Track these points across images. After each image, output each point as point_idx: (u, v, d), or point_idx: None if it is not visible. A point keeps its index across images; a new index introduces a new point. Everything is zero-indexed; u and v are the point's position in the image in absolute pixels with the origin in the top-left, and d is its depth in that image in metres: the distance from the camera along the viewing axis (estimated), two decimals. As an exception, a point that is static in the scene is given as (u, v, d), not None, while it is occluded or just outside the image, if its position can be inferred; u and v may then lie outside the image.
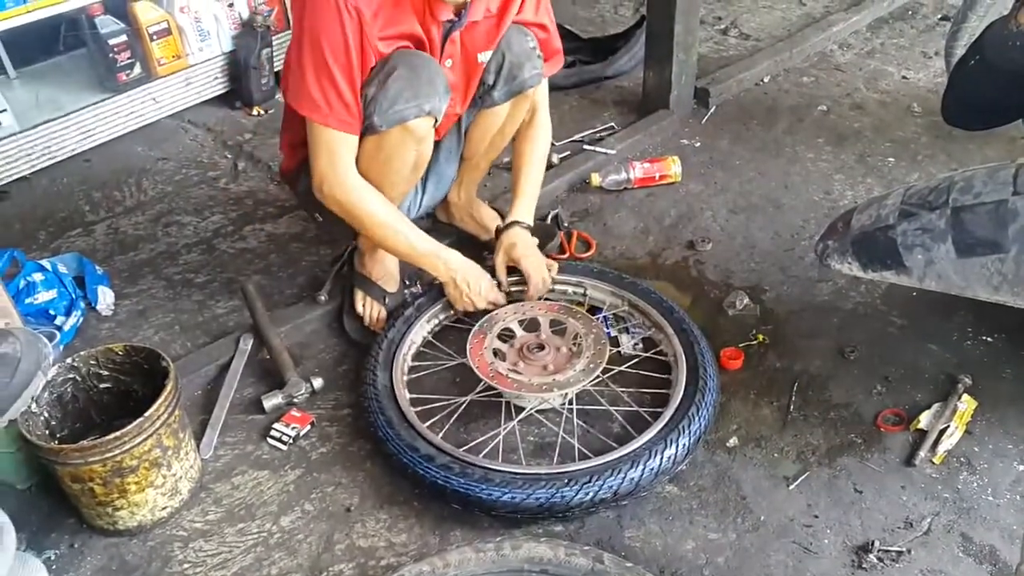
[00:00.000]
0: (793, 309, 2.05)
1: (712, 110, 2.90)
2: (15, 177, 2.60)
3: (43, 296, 2.01)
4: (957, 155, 2.60)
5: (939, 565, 1.47)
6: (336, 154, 1.71)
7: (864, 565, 1.47)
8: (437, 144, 1.91)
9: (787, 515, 1.57)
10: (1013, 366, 1.83)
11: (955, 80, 2.38)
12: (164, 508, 1.62)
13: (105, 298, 2.13)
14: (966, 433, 1.68)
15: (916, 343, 1.92)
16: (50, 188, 2.62)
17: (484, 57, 1.85)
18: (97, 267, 2.20)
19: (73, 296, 2.07)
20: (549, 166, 2.54)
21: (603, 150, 2.64)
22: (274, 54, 2.96)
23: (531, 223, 2.01)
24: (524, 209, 2.01)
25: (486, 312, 1.89)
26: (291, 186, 2.08)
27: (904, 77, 3.08)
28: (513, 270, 1.97)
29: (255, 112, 2.97)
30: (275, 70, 2.98)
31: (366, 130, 1.70)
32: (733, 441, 1.72)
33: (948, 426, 1.68)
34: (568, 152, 2.67)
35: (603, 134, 2.77)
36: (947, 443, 1.66)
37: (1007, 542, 1.49)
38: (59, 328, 1.99)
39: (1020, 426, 1.69)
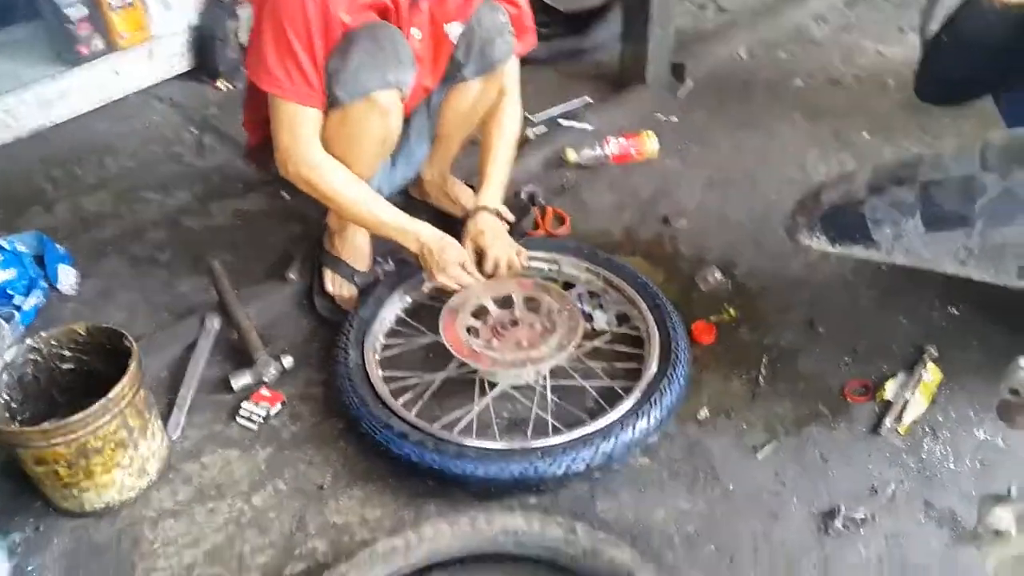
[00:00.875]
0: (765, 283, 2.11)
1: (689, 85, 2.94)
2: (-29, 154, 2.59)
3: (1, 276, 2.01)
4: (932, 130, 2.67)
5: (902, 529, 1.55)
6: (298, 129, 1.72)
7: (830, 531, 1.54)
8: (407, 122, 1.92)
9: (755, 484, 1.64)
10: (978, 337, 1.91)
11: (928, 56, 2.43)
12: (132, 489, 1.64)
13: (67, 277, 2.13)
14: (931, 403, 1.76)
15: (884, 315, 1.99)
16: (8, 165, 2.60)
17: (452, 29, 1.87)
18: (58, 245, 2.20)
19: (33, 275, 2.07)
20: (524, 141, 2.58)
21: (579, 125, 2.68)
22: (240, 27, 2.94)
23: (499, 208, 2.02)
24: (491, 194, 2.01)
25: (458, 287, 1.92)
26: (257, 164, 2.08)
27: (880, 52, 3.15)
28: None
29: (221, 86, 2.96)
30: (242, 43, 2.97)
31: (330, 104, 1.72)
32: (704, 413, 1.79)
33: (913, 396, 1.75)
34: (543, 127, 2.70)
35: (579, 109, 2.80)
36: (912, 413, 1.73)
37: (966, 506, 1.57)
38: (18, 308, 1.99)
39: (983, 395, 1.77)
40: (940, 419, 1.74)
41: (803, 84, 2.97)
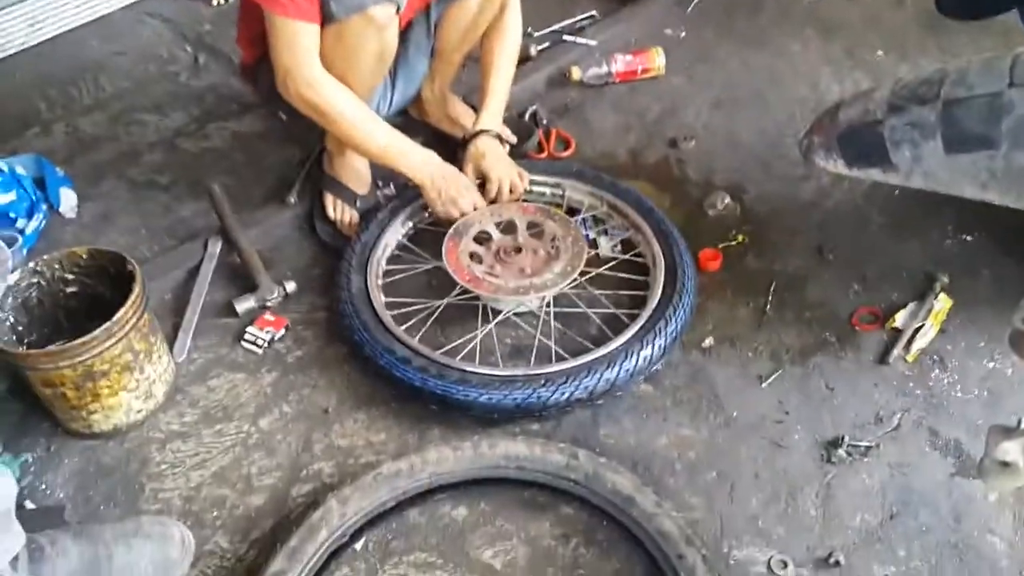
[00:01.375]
0: (774, 208, 2.04)
1: (698, -1, 2.80)
2: (-38, 73, 2.49)
3: (1, 198, 1.96)
4: (949, 47, 2.54)
5: (906, 459, 1.53)
6: (298, 46, 1.64)
7: (833, 459, 1.53)
8: (405, 38, 1.83)
9: (759, 412, 1.62)
10: (990, 265, 1.85)
11: (951, -35, 2.30)
12: (139, 411, 1.63)
13: (68, 200, 2.08)
14: (940, 331, 1.72)
15: (896, 242, 1.93)
16: (2, 84, 2.51)
17: None
18: (58, 168, 2.14)
19: (34, 198, 2.02)
20: (527, 59, 2.47)
21: (584, 41, 2.55)
22: (233, -62, 2.79)
23: (499, 130, 1.95)
24: (491, 116, 1.94)
25: (461, 216, 1.86)
26: (252, 84, 2.00)
27: (897, -36, 2.97)
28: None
29: (214, 1, 2.82)
30: (234, -45, 2.82)
31: (325, 20, 1.63)
32: (708, 341, 1.75)
33: (923, 324, 1.71)
34: (547, 43, 2.57)
35: (584, 24, 2.66)
36: (921, 341, 1.69)
37: (972, 436, 1.55)
38: (21, 232, 1.95)
39: (993, 324, 1.73)
40: (949, 348, 1.70)
41: (816, -1, 2.81)
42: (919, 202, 1.96)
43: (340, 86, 1.70)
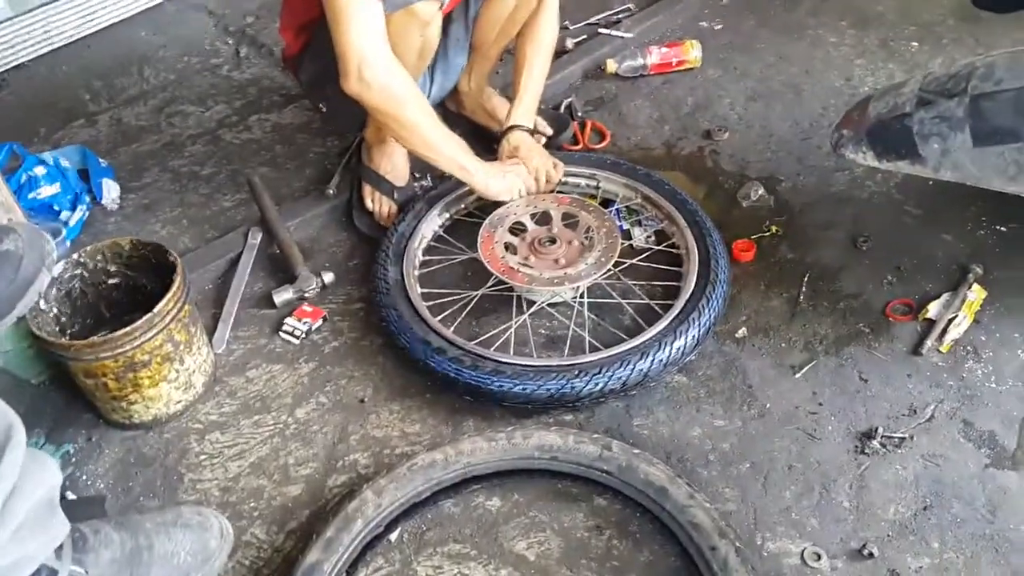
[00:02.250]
0: (808, 200, 1.98)
1: (733, -11, 2.72)
2: (12, 65, 2.50)
3: (46, 191, 1.96)
4: (984, 39, 2.44)
5: (940, 450, 1.47)
6: (373, 29, 1.51)
7: (867, 450, 1.48)
8: (444, 32, 1.79)
9: (792, 403, 1.57)
10: (1026, 256, 1.79)
11: (984, -45, 2.22)
12: (179, 402, 1.62)
13: (110, 192, 2.08)
14: (974, 322, 1.66)
15: (930, 233, 1.86)
16: (49, 76, 2.52)
17: None
18: (101, 160, 2.14)
19: (77, 190, 2.02)
20: (563, 52, 2.43)
21: (619, 34, 2.50)
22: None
23: (531, 125, 1.92)
24: (524, 111, 1.91)
25: (497, 206, 1.83)
26: (294, 73, 1.97)
27: (933, -46, 2.87)
28: None
29: (255, -5, 2.81)
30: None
31: None
32: (742, 332, 1.70)
33: (956, 315, 1.65)
34: (583, 36, 2.52)
35: (620, 16, 2.60)
36: (955, 332, 1.63)
37: (1006, 428, 1.49)
38: (64, 223, 1.95)
39: (1029, 316, 1.66)
40: (983, 339, 1.64)
41: (852, -11, 2.73)
42: (953, 194, 1.89)
43: (411, 80, 1.61)
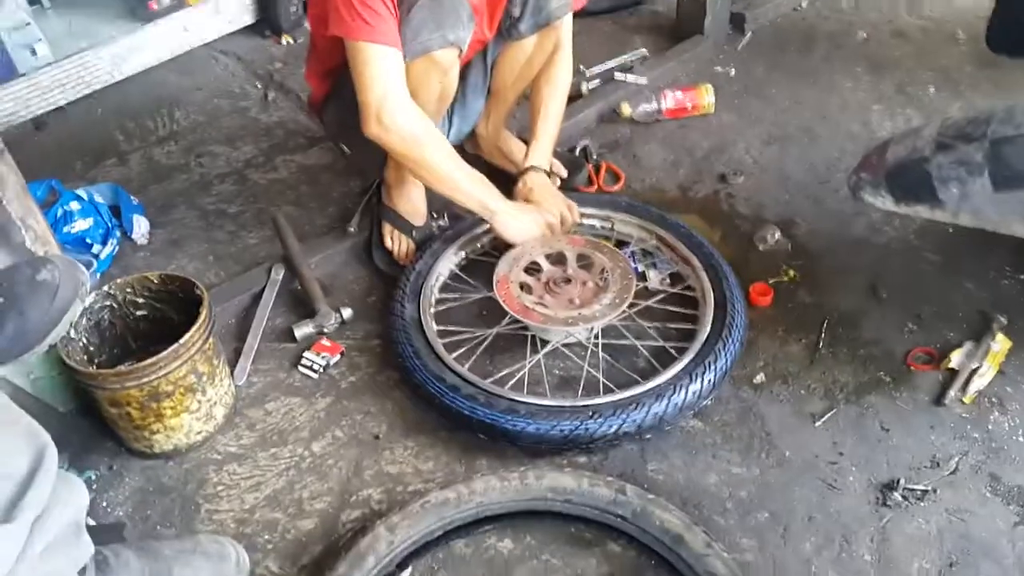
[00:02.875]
0: (826, 244, 1.94)
1: (748, 36, 2.73)
2: (52, 107, 2.54)
3: (80, 225, 1.99)
4: (1003, 84, 2.42)
5: (965, 504, 1.41)
6: (393, 73, 1.54)
7: (888, 503, 1.42)
8: (462, 78, 1.80)
9: (812, 452, 1.52)
10: (1051, 306, 1.73)
11: (1001, 2, 2.19)
12: (199, 432, 1.61)
13: (140, 227, 2.10)
14: (999, 373, 1.60)
15: (950, 280, 1.81)
16: (85, 118, 2.57)
17: None
18: (132, 197, 2.17)
19: (109, 225, 2.04)
20: (578, 96, 2.43)
21: (634, 79, 2.50)
22: (302, -19, 2.83)
23: (547, 167, 1.92)
24: (540, 153, 1.92)
25: (513, 245, 1.81)
26: (319, 118, 2.00)
27: (949, 1, 2.86)
28: None
29: (284, 41, 2.87)
30: (303, -3, 2.87)
31: None
32: (760, 377, 1.66)
33: (980, 366, 1.59)
34: (598, 81, 2.53)
35: (635, 62, 2.61)
36: (978, 383, 1.57)
37: (1036, 483, 1.43)
38: (96, 256, 1.97)
39: (1056, 367, 1.60)
40: (1009, 391, 1.58)
41: (866, 36, 2.72)
42: (973, 241, 1.85)
43: (432, 123, 1.63)
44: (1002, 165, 1.41)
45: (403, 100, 1.58)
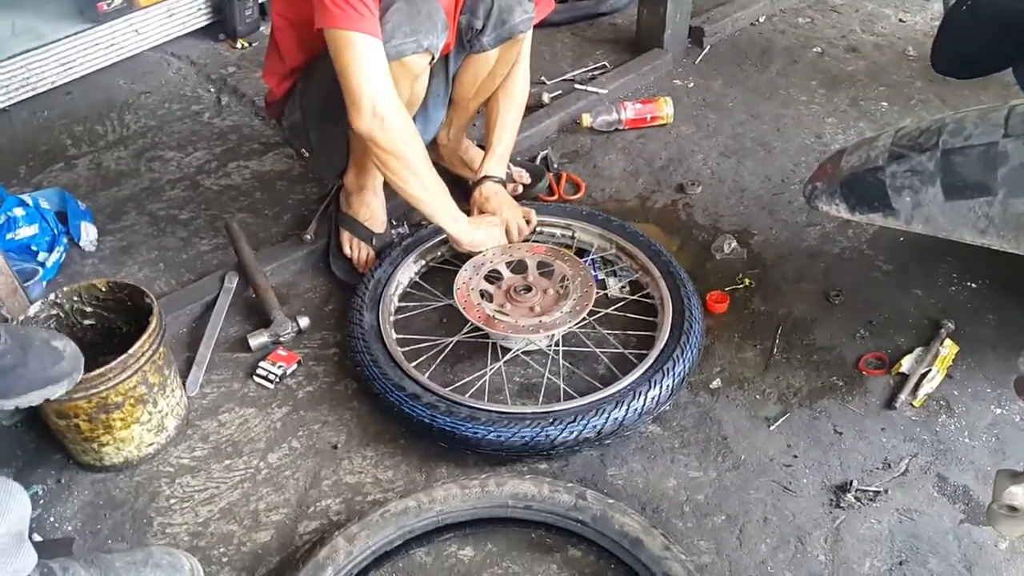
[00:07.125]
0: (780, 253, 2.03)
1: (706, 50, 2.83)
2: (-6, 109, 2.52)
3: (24, 231, 1.96)
4: (951, 100, 2.55)
5: (914, 504, 1.49)
6: (384, 69, 1.54)
7: (841, 504, 1.49)
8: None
9: (767, 455, 1.58)
10: (996, 312, 1.83)
11: (946, 27, 2.31)
12: (150, 444, 1.61)
13: (88, 234, 2.08)
14: (947, 377, 1.69)
15: (901, 288, 1.91)
16: (30, 121, 2.54)
17: None
18: (80, 202, 2.15)
19: (55, 232, 2.02)
20: (539, 106, 2.49)
21: (594, 89, 2.57)
22: (258, -15, 2.85)
23: (503, 176, 1.97)
24: (495, 163, 1.97)
25: (472, 254, 1.86)
26: (277, 119, 2.00)
27: (901, 20, 3.01)
28: None
29: (239, 45, 2.87)
30: (260, 1, 2.87)
31: None
32: (716, 383, 1.72)
33: (929, 370, 1.68)
34: (559, 91, 2.60)
35: (595, 73, 2.69)
36: (928, 387, 1.66)
37: (980, 482, 1.51)
38: (42, 264, 1.95)
39: (999, 370, 1.70)
40: (956, 394, 1.67)
41: (822, 51, 2.84)
42: (923, 249, 1.95)
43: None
44: (953, 175, 1.47)
45: (395, 94, 1.60)
